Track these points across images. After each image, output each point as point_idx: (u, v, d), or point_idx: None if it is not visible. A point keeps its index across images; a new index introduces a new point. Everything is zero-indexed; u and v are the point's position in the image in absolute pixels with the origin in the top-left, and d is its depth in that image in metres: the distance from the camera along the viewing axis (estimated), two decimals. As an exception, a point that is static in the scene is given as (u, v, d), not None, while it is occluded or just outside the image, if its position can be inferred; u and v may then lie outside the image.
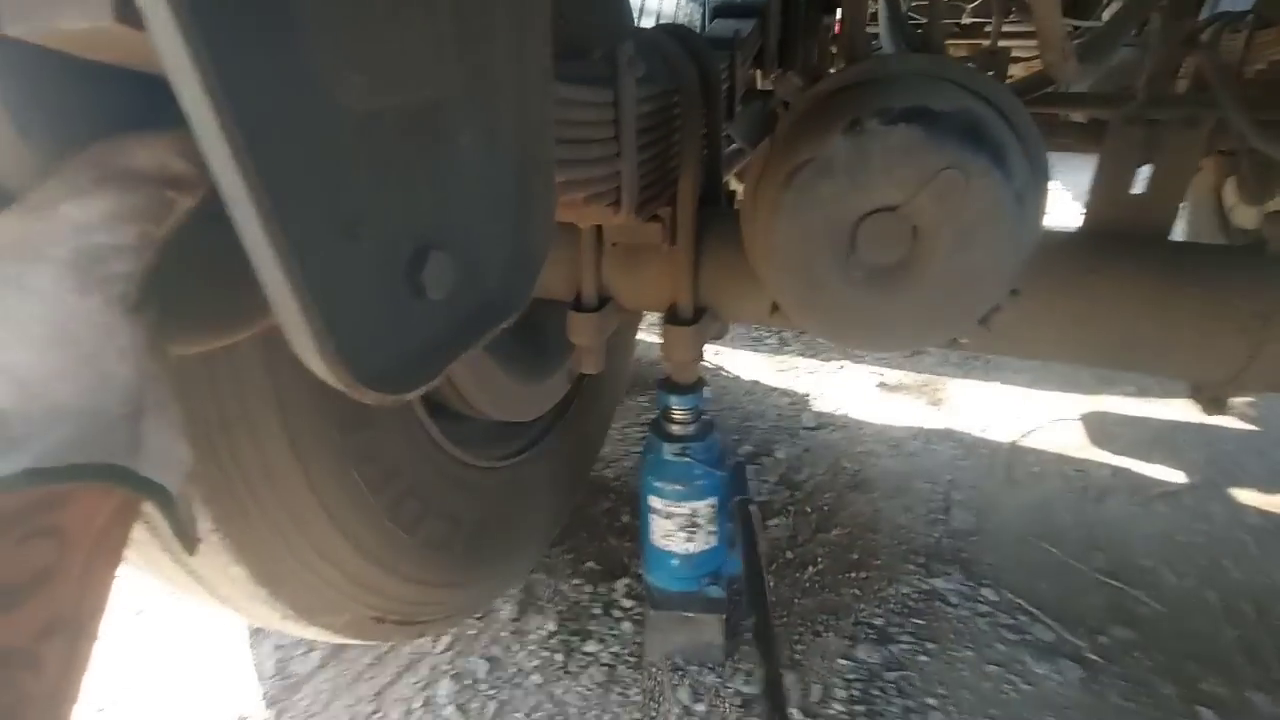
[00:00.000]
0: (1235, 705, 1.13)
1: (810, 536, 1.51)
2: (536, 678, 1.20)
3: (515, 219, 0.47)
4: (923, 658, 1.21)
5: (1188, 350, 0.79)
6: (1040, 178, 0.61)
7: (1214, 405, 0.85)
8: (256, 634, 1.30)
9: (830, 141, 0.57)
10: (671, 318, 0.93)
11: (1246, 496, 1.62)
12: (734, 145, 1.32)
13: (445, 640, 1.28)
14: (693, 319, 0.92)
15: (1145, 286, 0.79)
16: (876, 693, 1.15)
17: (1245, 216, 2.03)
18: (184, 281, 0.36)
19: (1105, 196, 0.84)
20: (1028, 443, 1.85)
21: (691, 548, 1.13)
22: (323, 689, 1.20)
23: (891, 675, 1.18)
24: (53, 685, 0.27)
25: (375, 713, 1.16)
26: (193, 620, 1.34)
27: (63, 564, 0.28)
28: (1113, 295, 0.80)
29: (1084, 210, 0.85)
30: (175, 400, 0.32)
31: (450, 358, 0.40)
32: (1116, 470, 1.72)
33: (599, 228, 0.93)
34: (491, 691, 1.18)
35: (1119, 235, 0.83)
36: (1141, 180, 0.85)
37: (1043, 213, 0.62)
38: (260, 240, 0.28)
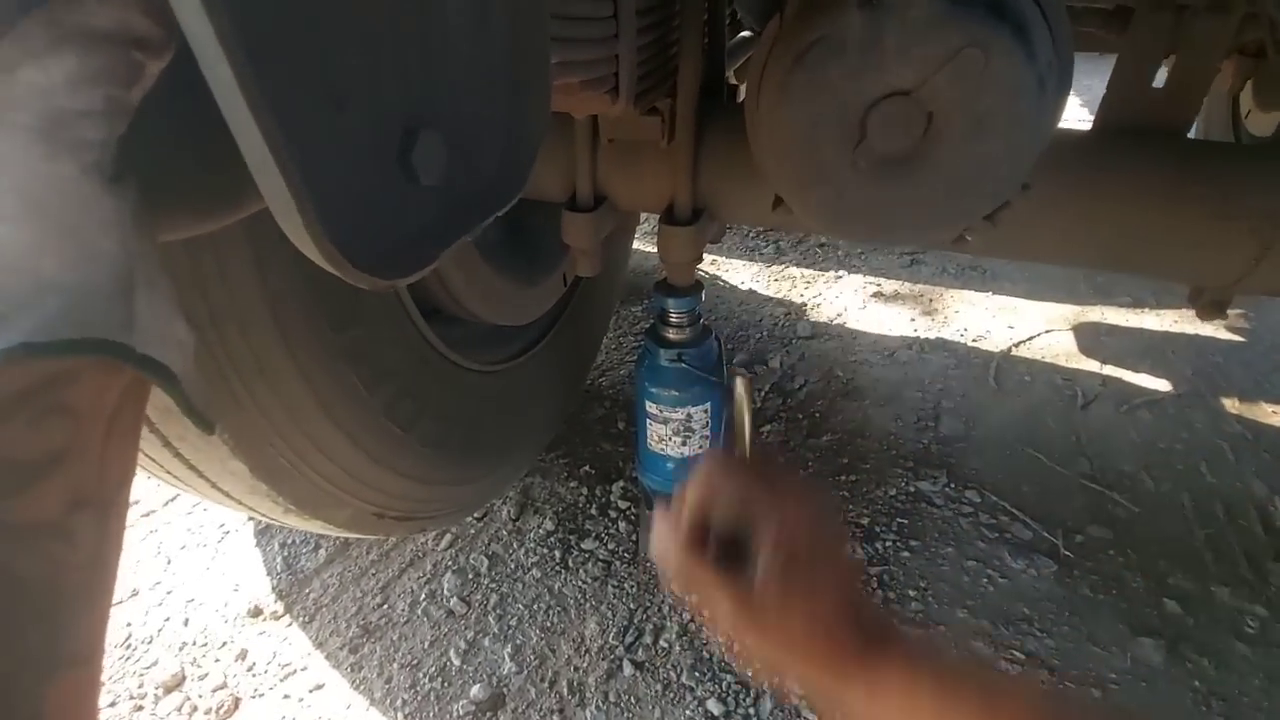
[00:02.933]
0: (1200, 598, 1.20)
1: (801, 442, 1.55)
2: (536, 573, 1.26)
3: (509, 100, 0.45)
4: (905, 554, 1.27)
5: (1195, 250, 0.78)
6: (1065, 62, 0.58)
7: (1213, 309, 0.84)
8: (263, 533, 1.34)
9: (844, 17, 0.53)
10: (669, 218, 0.91)
11: (1229, 405, 1.66)
12: (739, 34, 1.25)
13: (447, 539, 1.32)
14: (691, 219, 0.90)
15: (1155, 185, 0.76)
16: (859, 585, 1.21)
17: (1260, 124, 1.96)
18: (164, 158, 0.34)
19: (1123, 91, 0.80)
20: (1020, 352, 1.86)
21: (686, 451, 1.15)
22: (330, 583, 1.25)
23: (874, 570, 1.24)
24: (89, 556, 0.28)
25: (382, 604, 1.21)
26: (202, 519, 1.38)
27: (79, 441, 0.27)
28: (1121, 194, 0.77)
29: (1101, 106, 0.82)
30: (167, 279, 0.31)
31: (444, 245, 0.39)
32: (1105, 379, 1.75)
33: (595, 123, 0.89)
34: (493, 585, 1.24)
35: (1133, 132, 0.80)
36: (1163, 78, 0.81)
37: (1064, 101, 0.59)
38: (239, 105, 0.25)
